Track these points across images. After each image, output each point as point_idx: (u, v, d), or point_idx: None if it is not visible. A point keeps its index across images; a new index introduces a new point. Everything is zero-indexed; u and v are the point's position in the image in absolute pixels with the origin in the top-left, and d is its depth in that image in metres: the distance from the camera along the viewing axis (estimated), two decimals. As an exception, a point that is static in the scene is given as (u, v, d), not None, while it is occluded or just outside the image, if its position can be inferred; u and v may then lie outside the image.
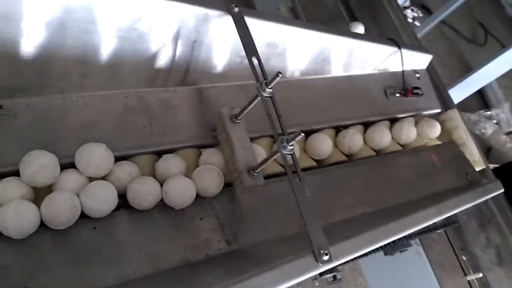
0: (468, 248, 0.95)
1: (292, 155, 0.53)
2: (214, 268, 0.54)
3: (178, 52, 0.64)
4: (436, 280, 0.89)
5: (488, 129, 2.50)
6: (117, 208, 0.56)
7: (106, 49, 0.58)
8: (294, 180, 0.51)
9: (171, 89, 0.65)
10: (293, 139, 0.52)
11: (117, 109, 0.61)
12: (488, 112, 2.56)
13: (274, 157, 0.55)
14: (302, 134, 0.50)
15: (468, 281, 0.91)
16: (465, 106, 2.40)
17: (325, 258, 0.48)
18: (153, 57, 0.63)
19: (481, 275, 0.93)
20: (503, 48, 2.90)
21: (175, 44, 0.63)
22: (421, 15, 2.81)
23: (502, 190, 0.78)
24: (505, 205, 1.03)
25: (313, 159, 0.75)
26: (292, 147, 0.52)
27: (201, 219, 0.58)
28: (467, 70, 2.70)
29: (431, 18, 2.30)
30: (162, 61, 0.64)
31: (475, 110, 2.51)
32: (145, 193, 0.55)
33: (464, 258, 0.93)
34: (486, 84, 2.26)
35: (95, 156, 0.54)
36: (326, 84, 0.79)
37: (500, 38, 3.00)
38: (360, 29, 0.95)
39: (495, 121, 2.54)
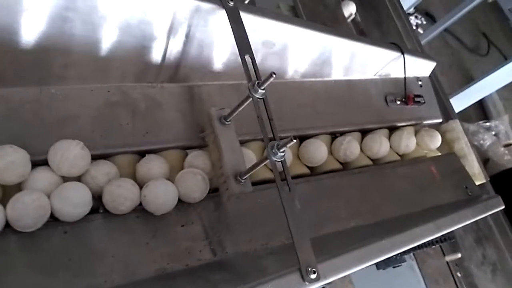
0: (463, 264, 0.91)
1: (283, 162, 0.49)
2: (193, 280, 0.50)
3: (168, 46, 0.60)
4: (429, 297, 0.85)
5: (487, 140, 2.47)
6: (93, 210, 0.52)
7: (90, 40, 0.54)
8: (283, 190, 0.47)
9: (158, 85, 0.61)
10: (284, 145, 0.48)
11: (98, 104, 0.57)
12: (487, 123, 2.54)
13: (264, 163, 0.51)
14: (295, 140, 0.46)
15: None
16: (464, 116, 2.37)
17: (313, 276, 0.45)
18: (141, 51, 0.58)
19: (459, 255, 0.90)
20: (505, 59, 2.89)
21: (166, 37, 0.59)
22: (424, 22, 2.78)
23: (503, 207, 0.75)
24: (503, 220, 1.00)
25: (306, 166, 0.71)
26: (283, 153, 0.49)
27: (182, 226, 0.54)
28: (468, 79, 2.68)
29: (435, 26, 2.27)
30: (151, 55, 0.60)
31: (474, 121, 2.49)
32: (122, 196, 0.50)
33: (459, 274, 0.90)
34: (487, 95, 2.24)
35: (70, 153, 0.50)
36: (324, 87, 0.75)
37: (502, 49, 2.98)
38: (351, 7, 0.91)
39: (493, 133, 2.52)
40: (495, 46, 2.95)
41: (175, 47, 0.60)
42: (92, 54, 0.56)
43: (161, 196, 0.52)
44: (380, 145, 0.75)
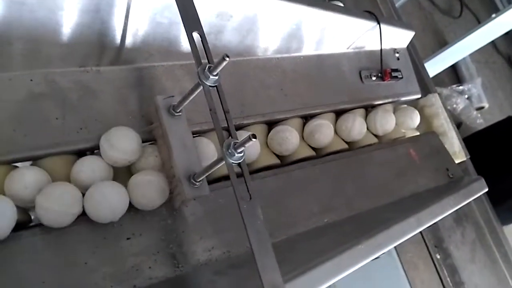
0: (442, 245, 0.87)
1: (241, 164, 0.41)
2: (142, 304, 0.42)
3: (105, 21, 0.50)
4: (407, 281, 0.81)
5: (460, 104, 2.46)
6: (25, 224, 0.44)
7: (3, 18, 0.44)
8: (243, 198, 0.40)
9: (93, 70, 0.51)
10: (242, 144, 0.39)
11: (19, 96, 0.46)
12: (460, 87, 2.51)
13: (219, 165, 0.43)
14: (254, 140, 0.38)
15: (442, 282, 0.83)
16: (437, 80, 2.33)
17: (280, 301, 0.38)
18: (70, 27, 0.48)
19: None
20: (478, 21, 2.84)
21: (101, 10, 0.48)
22: (397, -17, 2.68)
23: (486, 190, 0.69)
24: (484, 197, 0.96)
25: (276, 155, 0.63)
26: (241, 154, 0.40)
27: (128, 238, 0.46)
28: (441, 43, 2.63)
29: (409, -13, 2.18)
30: (83, 32, 0.49)
31: (447, 85, 2.46)
32: (62, 208, 0.42)
33: (438, 256, 0.86)
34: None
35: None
36: (292, 64, 0.66)
37: (475, 10, 2.93)
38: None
39: (466, 96, 2.50)
40: (468, 8, 2.89)
41: (113, 22, 0.50)
42: (6, 35, 0.45)
43: (107, 201, 0.44)
44: (352, 126, 0.68)
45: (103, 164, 0.48)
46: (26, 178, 0.43)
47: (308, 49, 0.69)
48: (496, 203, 0.99)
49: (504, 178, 1.18)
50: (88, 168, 0.46)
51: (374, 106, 0.75)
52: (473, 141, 1.73)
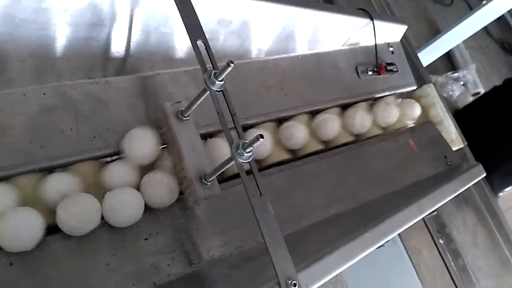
0: (445, 230, 0.90)
1: (250, 163, 0.44)
2: (162, 300, 0.45)
3: (110, 35, 0.52)
4: (413, 267, 0.84)
5: (455, 91, 2.47)
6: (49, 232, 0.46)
7: (13, 36, 0.46)
8: (254, 195, 0.42)
9: (101, 81, 0.53)
10: (251, 144, 0.42)
11: (33, 109, 0.49)
12: (455, 74, 2.53)
13: (229, 165, 0.45)
14: (261, 139, 0.41)
15: (446, 266, 0.86)
16: (432, 68, 2.35)
17: (294, 289, 0.40)
18: (77, 42, 0.50)
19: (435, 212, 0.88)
20: (469, 7, 2.86)
21: (106, 24, 0.51)
22: (388, -26, 2.69)
23: (484, 175, 0.72)
24: (482, 182, 0.99)
25: (286, 150, 0.66)
26: (250, 153, 0.43)
27: (146, 239, 0.49)
28: (434, 31, 2.65)
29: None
30: (90, 46, 0.52)
31: (442, 72, 2.47)
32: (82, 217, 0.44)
33: (441, 241, 0.88)
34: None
35: None
36: (290, 64, 0.69)
37: (466, -3, 2.95)
38: None
39: (462, 83, 2.52)
40: (459, -5, 2.91)
41: (117, 35, 0.52)
42: (18, 52, 0.48)
43: (124, 207, 0.46)
44: (357, 120, 0.70)
45: (128, 167, 0.50)
46: (57, 184, 0.46)
47: (305, 49, 0.71)
48: (489, 172, 1.00)
49: (495, 147, 1.19)
50: (115, 173, 0.49)
51: (371, 100, 0.77)
52: (463, 114, 1.74)
